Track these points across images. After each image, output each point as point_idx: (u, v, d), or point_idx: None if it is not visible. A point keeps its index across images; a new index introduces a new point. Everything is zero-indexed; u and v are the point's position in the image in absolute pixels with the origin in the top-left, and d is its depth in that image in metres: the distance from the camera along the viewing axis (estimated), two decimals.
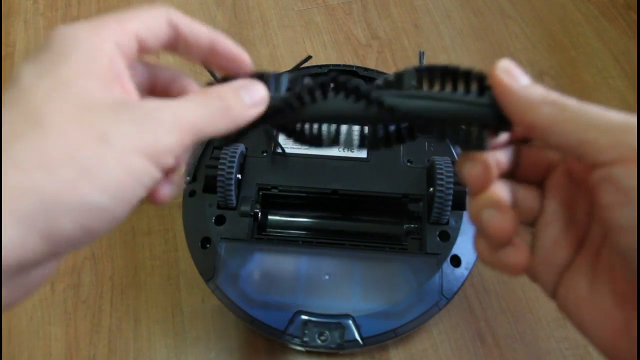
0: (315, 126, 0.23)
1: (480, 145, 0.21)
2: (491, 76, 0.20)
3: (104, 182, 0.16)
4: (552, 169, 0.22)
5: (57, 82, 0.17)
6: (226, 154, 0.42)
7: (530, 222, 0.22)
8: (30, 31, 0.64)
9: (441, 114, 0.21)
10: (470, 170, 0.22)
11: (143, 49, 0.20)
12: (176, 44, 0.21)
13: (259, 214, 0.43)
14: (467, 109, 0.20)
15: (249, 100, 0.20)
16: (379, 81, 0.22)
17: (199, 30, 0.21)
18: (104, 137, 0.16)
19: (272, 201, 0.45)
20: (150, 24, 0.20)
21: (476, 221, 0.22)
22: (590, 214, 0.20)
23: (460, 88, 0.21)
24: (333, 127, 0.23)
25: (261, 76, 0.23)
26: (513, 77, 0.20)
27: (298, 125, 0.23)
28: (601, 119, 0.17)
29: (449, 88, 0.21)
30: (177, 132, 0.17)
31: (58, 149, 0.15)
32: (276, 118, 0.22)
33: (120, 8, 0.68)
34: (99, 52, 0.18)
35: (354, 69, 0.53)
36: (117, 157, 0.16)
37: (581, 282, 0.20)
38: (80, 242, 0.16)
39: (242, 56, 0.22)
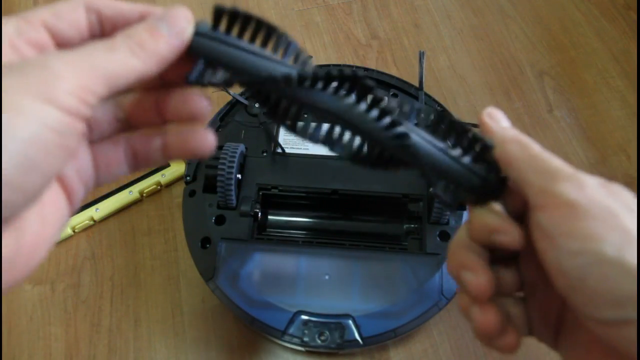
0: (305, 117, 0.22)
1: (461, 206, 0.23)
2: (478, 118, 0.23)
3: (3, 128, 0.15)
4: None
5: None
6: (226, 153, 0.42)
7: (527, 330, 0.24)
8: None
9: (446, 169, 0.22)
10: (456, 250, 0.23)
11: (59, 39, 0.19)
12: (103, 28, 0.20)
13: (259, 214, 0.43)
14: (466, 174, 0.22)
15: (166, 30, 0.19)
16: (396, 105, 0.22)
17: (124, 7, 0.20)
18: None
19: (272, 201, 0.45)
20: (61, 12, 0.19)
21: (456, 279, 0.23)
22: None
23: (464, 144, 0.22)
24: (337, 129, 0.22)
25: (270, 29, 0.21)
26: (494, 120, 0.23)
27: (291, 108, 0.21)
28: (543, 164, 0.20)
29: (451, 139, 0.22)
30: (72, 74, 0.16)
31: None
32: (261, 85, 0.20)
33: None
34: None
35: (354, 69, 0.53)
36: (9, 104, 0.15)
37: (574, 344, 0.22)
38: (6, 198, 0.15)
39: (181, 9, 0.21)
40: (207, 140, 0.22)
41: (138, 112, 0.22)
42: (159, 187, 0.51)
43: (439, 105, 0.51)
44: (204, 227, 0.43)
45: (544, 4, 0.64)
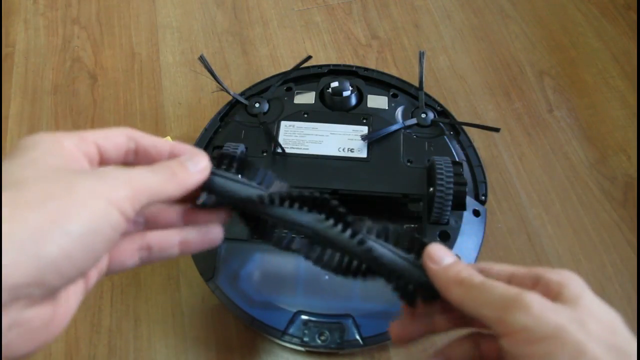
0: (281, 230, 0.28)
1: (411, 302, 0.27)
2: (422, 260, 0.26)
3: (76, 217, 0.19)
4: None
5: (28, 160, 0.21)
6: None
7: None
8: (30, 31, 0.64)
9: (400, 268, 0.26)
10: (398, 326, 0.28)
11: (103, 156, 0.24)
12: (138, 154, 0.25)
13: None
14: (417, 273, 0.26)
15: (193, 168, 0.25)
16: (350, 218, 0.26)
17: (157, 141, 0.26)
18: (71, 187, 0.20)
19: None
20: (109, 135, 0.24)
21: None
22: None
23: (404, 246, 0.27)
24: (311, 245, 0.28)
25: (239, 162, 0.27)
26: (435, 260, 0.25)
27: (267, 221, 0.27)
28: (489, 296, 0.22)
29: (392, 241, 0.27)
30: (130, 187, 0.21)
31: (38, 195, 0.19)
32: (245, 205, 0.27)
33: (119, 7, 0.68)
34: (59, 144, 0.22)
35: (354, 68, 0.53)
36: (84, 200, 0.20)
37: None
38: (64, 271, 0.19)
39: (200, 153, 0.26)
40: (221, 234, 0.28)
41: (159, 219, 0.27)
42: None
43: (439, 105, 0.52)
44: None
45: (544, 4, 0.64)
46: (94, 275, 0.24)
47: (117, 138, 0.24)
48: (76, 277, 0.20)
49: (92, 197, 0.20)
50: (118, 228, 0.21)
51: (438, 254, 0.25)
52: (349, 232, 0.26)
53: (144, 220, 0.27)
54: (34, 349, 0.21)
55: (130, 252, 0.25)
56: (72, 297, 0.23)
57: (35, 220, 0.18)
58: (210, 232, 0.27)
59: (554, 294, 0.22)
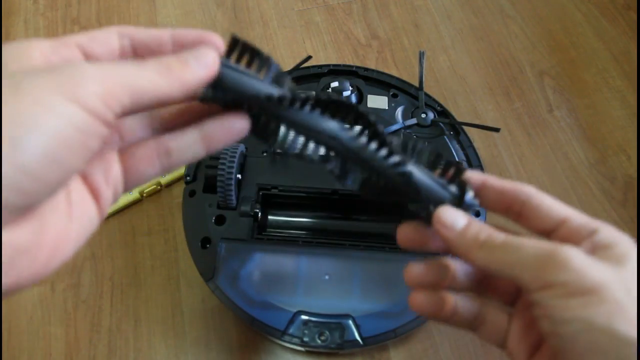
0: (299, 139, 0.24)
1: (429, 221, 0.24)
2: (434, 227, 0.23)
3: (29, 123, 0.16)
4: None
5: None
6: (226, 154, 0.42)
7: (508, 303, 0.26)
8: (30, 31, 0.64)
9: (436, 196, 0.23)
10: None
11: (91, 58, 0.21)
12: (136, 53, 0.22)
13: (259, 214, 0.43)
14: (445, 195, 0.23)
15: (195, 61, 0.20)
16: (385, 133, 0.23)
17: (155, 32, 0.22)
18: (19, 86, 0.16)
19: (272, 201, 0.45)
20: (96, 36, 0.21)
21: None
22: None
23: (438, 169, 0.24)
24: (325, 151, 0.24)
25: (252, 51, 0.22)
26: (448, 227, 0.23)
27: (280, 128, 0.23)
28: (520, 256, 0.21)
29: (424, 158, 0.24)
30: (101, 80, 0.17)
31: None
32: (261, 106, 0.22)
33: (119, 7, 0.68)
34: (30, 48, 0.19)
35: (354, 68, 0.53)
36: (37, 100, 0.16)
37: None
38: (26, 188, 0.16)
39: (209, 36, 0.22)
40: (246, 124, 0.23)
41: (176, 121, 0.23)
42: (159, 187, 0.51)
43: (439, 105, 0.52)
44: (204, 227, 0.43)
45: (544, 4, 0.64)
46: (106, 194, 0.21)
47: (106, 38, 0.21)
48: (45, 192, 0.17)
49: (47, 95, 0.16)
50: (91, 131, 0.17)
51: (449, 219, 0.23)
52: (384, 151, 0.22)
53: (161, 126, 0.23)
54: (17, 283, 0.18)
55: (148, 160, 0.22)
56: (70, 226, 0.19)
57: None
58: (233, 123, 0.23)
59: (601, 250, 0.21)
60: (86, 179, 0.21)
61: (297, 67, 0.53)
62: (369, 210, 0.46)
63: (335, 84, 0.49)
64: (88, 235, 0.21)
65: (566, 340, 0.20)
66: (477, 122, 0.55)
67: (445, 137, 0.48)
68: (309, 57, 0.53)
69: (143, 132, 0.23)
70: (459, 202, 0.24)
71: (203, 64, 0.20)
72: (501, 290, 0.26)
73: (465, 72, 0.59)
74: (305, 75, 0.53)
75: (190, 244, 0.43)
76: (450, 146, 0.47)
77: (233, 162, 0.42)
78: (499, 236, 0.22)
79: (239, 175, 0.43)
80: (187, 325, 0.44)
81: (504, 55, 0.60)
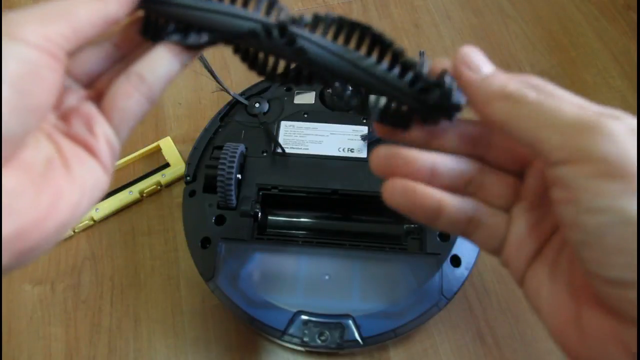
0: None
1: (405, 124, 0.21)
2: (453, 67, 0.20)
3: None
4: (530, 161, 0.22)
5: None
6: (226, 154, 0.42)
7: (504, 207, 0.22)
8: None
9: (376, 84, 0.21)
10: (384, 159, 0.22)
11: None
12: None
13: (259, 214, 0.43)
14: (405, 88, 0.20)
15: None
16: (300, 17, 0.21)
17: None
18: None
19: (272, 201, 0.45)
20: None
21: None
22: None
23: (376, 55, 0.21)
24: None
25: None
26: (473, 68, 0.20)
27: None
28: (555, 117, 0.17)
29: (364, 49, 0.21)
30: (36, 19, 0.18)
31: None
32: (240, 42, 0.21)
33: None
34: None
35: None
36: None
37: (544, 272, 0.20)
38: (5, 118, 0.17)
39: None
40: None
41: (130, 40, 0.23)
42: (159, 187, 0.51)
43: None
44: (204, 227, 0.43)
45: (544, 4, 0.64)
46: (100, 146, 0.21)
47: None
48: (25, 129, 0.18)
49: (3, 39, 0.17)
50: (44, 65, 0.18)
51: (477, 60, 0.20)
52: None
53: (120, 52, 0.23)
54: (21, 227, 0.18)
55: (123, 92, 0.21)
56: (76, 175, 0.20)
57: None
58: None
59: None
60: (73, 137, 0.21)
61: None
62: (369, 210, 0.46)
63: (335, 84, 0.49)
64: (99, 192, 0.21)
65: (591, 234, 0.16)
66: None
67: None
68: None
69: (105, 66, 0.23)
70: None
71: None
72: (497, 187, 0.22)
73: None
74: None
75: (190, 244, 0.43)
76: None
77: (233, 162, 0.42)
78: (532, 92, 0.19)
79: (239, 175, 0.43)
80: (187, 325, 0.44)
81: (504, 55, 0.60)
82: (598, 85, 0.58)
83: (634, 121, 0.17)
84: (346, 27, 0.21)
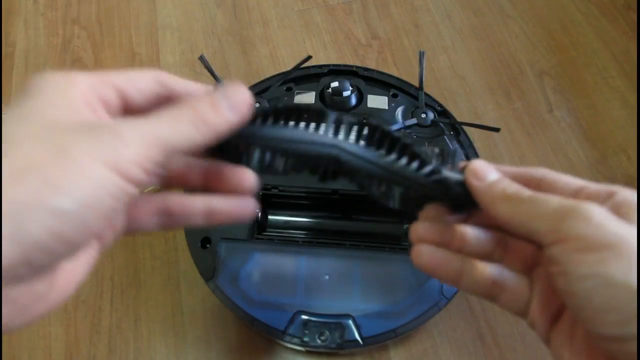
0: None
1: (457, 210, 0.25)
2: (465, 177, 0.24)
3: (67, 189, 0.16)
4: (537, 261, 0.24)
5: (28, 111, 0.18)
6: None
7: (526, 272, 0.24)
8: (30, 31, 0.64)
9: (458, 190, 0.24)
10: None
11: (127, 103, 0.21)
12: (171, 102, 0.21)
13: (259, 213, 0.43)
14: (439, 188, 0.24)
15: (227, 106, 0.20)
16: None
17: (192, 86, 0.22)
18: (63, 150, 0.17)
19: (272, 201, 0.45)
20: (133, 78, 0.21)
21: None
22: None
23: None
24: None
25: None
26: (480, 177, 0.23)
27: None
28: (543, 209, 0.21)
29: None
30: (139, 144, 0.18)
31: (21, 163, 0.16)
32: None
33: (119, 7, 0.68)
34: (69, 87, 0.19)
35: (354, 68, 0.53)
36: (77, 167, 0.16)
37: (565, 334, 0.22)
38: (54, 250, 0.17)
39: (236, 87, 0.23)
40: (253, 206, 0.24)
41: (182, 174, 0.24)
42: (158, 187, 0.50)
43: (439, 105, 0.52)
44: (204, 227, 0.43)
45: (544, 4, 0.64)
46: (109, 238, 0.22)
47: (143, 81, 0.21)
48: (70, 253, 0.18)
49: (88, 162, 0.17)
50: (123, 197, 0.18)
51: (482, 170, 0.24)
52: (415, 163, 0.24)
53: (168, 175, 0.23)
54: (30, 321, 0.19)
55: (149, 215, 0.22)
56: (77, 266, 0.21)
57: (16, 195, 0.16)
58: (240, 204, 0.23)
59: (622, 212, 0.20)
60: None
61: (297, 67, 0.53)
62: (369, 210, 0.46)
63: (335, 84, 0.49)
64: (88, 272, 0.22)
65: (582, 298, 0.19)
66: (477, 122, 0.54)
67: (445, 137, 0.48)
68: (309, 57, 0.53)
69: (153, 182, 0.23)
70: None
71: (236, 109, 0.20)
72: (519, 254, 0.24)
73: (465, 72, 0.59)
74: (305, 75, 0.53)
75: (190, 244, 0.43)
76: (451, 146, 0.47)
77: None
78: (527, 192, 0.22)
79: None
80: (187, 325, 0.44)
81: (504, 55, 0.60)
82: (598, 85, 0.58)
83: (632, 196, 0.20)
84: (378, 135, 0.24)
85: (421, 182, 0.24)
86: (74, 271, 0.21)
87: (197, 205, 0.23)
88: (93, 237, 0.18)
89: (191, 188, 0.24)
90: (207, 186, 0.24)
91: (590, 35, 0.61)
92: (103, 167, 0.17)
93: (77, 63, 0.61)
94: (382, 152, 0.24)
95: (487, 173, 0.24)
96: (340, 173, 0.24)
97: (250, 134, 0.22)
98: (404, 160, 0.24)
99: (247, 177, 0.24)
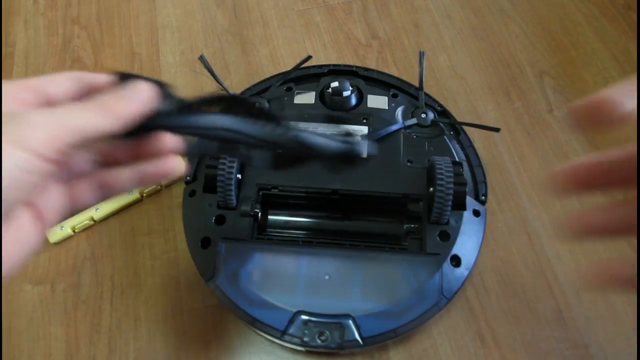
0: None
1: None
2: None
3: None
4: None
5: None
6: None
7: None
8: (30, 31, 0.64)
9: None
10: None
11: (47, 96, 0.24)
12: (88, 91, 0.25)
13: (259, 214, 0.43)
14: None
15: (130, 97, 0.23)
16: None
17: (102, 77, 0.25)
18: None
19: (272, 201, 0.45)
20: (54, 79, 0.24)
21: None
22: None
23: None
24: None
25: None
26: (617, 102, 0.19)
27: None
28: None
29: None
30: (47, 127, 0.20)
31: None
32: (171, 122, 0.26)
33: (119, 7, 0.68)
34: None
35: (354, 68, 0.53)
36: None
37: None
38: None
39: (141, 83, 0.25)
40: (178, 165, 0.27)
41: (115, 155, 0.27)
42: (159, 187, 0.51)
43: (439, 105, 0.52)
44: (204, 227, 0.43)
45: (544, 4, 0.64)
46: (49, 217, 0.24)
47: (62, 82, 0.24)
48: None
49: (4, 142, 0.19)
50: (36, 170, 0.20)
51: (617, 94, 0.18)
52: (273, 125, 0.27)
53: (102, 159, 0.27)
54: None
55: (88, 191, 0.26)
56: (12, 243, 0.22)
57: None
58: (165, 164, 0.27)
59: None
60: (31, 204, 0.23)
61: (297, 67, 0.53)
62: (369, 210, 0.46)
63: (335, 84, 0.49)
64: (29, 254, 0.23)
65: None
66: (477, 122, 0.54)
67: (445, 137, 0.48)
68: (309, 57, 0.53)
69: (86, 165, 0.26)
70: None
71: (138, 98, 0.23)
72: None
73: (465, 72, 0.59)
74: (305, 75, 0.53)
75: (190, 244, 0.43)
76: (450, 146, 0.47)
77: (233, 162, 0.42)
78: None
79: (239, 175, 0.43)
80: (187, 325, 0.44)
81: (504, 55, 0.60)
82: (598, 85, 0.58)
83: None
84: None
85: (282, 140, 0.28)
86: (10, 250, 0.22)
87: (128, 173, 0.26)
88: (12, 206, 0.20)
89: (125, 163, 0.27)
90: (138, 158, 0.27)
91: (590, 35, 0.61)
92: (13, 146, 0.19)
93: (77, 63, 0.61)
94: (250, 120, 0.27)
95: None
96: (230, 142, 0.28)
97: (159, 120, 0.25)
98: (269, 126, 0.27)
99: (168, 138, 0.27)
